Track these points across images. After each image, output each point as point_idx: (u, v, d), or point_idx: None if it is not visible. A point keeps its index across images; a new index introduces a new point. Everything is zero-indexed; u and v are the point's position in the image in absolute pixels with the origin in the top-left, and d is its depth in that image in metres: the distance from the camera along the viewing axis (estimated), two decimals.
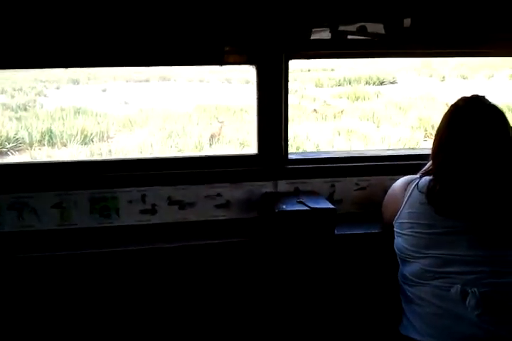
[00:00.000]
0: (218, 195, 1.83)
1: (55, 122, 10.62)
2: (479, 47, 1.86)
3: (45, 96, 14.91)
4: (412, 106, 12.09)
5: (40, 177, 1.76)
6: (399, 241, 1.55)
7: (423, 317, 1.44)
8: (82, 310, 1.69)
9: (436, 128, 1.58)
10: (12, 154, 9.11)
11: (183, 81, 17.22)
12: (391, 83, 17.06)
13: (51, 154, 8.92)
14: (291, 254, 1.73)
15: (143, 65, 1.80)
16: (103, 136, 10.21)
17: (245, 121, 10.17)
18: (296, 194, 1.80)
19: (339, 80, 16.53)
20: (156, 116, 11.42)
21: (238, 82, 15.32)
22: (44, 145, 9.56)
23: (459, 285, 1.38)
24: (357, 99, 13.60)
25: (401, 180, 1.65)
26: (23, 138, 9.71)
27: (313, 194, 1.82)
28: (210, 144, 9.29)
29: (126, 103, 13.64)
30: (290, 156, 1.89)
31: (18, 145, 9.58)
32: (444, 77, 17.29)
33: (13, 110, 12.45)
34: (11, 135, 9.74)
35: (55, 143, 9.67)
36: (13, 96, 14.29)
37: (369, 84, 16.14)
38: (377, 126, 10.64)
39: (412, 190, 1.54)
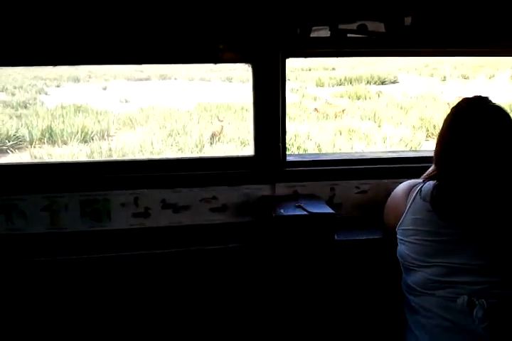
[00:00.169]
0: (214, 198, 1.78)
1: (55, 120, 10.66)
2: (480, 47, 1.82)
3: (45, 94, 15.03)
4: (413, 106, 12.10)
5: (30, 179, 1.71)
6: (402, 249, 1.49)
7: (427, 328, 1.37)
8: (70, 319, 1.64)
9: (438, 130, 1.52)
10: (12, 152, 9.13)
11: (183, 79, 17.26)
12: (392, 82, 17.12)
13: (51, 152, 8.89)
14: (289, 261, 1.68)
15: (136, 63, 1.76)
16: (103, 135, 10.29)
17: (246, 119, 10.17)
18: (295, 197, 1.75)
19: (340, 79, 16.62)
20: (157, 114, 11.47)
21: (239, 81, 15.33)
22: (44, 143, 9.55)
23: (465, 296, 1.32)
24: (358, 99, 13.63)
25: (403, 185, 1.60)
26: (23, 136, 9.78)
27: (312, 197, 1.77)
28: (211, 143, 9.28)
29: (126, 101, 13.71)
30: (288, 158, 1.84)
31: (18, 143, 9.64)
32: (444, 77, 17.35)
33: (13, 108, 12.55)
34: (11, 133, 9.79)
35: (55, 141, 9.71)
36: (13, 94, 14.39)
37: (370, 84, 16.19)
38: (379, 126, 10.66)
39: (415, 195, 1.48)
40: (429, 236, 1.41)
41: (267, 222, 1.65)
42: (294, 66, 17.57)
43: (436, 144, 1.52)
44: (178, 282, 1.67)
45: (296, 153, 8.63)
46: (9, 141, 9.55)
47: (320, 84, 16.25)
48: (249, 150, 1.78)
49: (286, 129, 1.80)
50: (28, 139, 9.68)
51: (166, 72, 17.96)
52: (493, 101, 1.47)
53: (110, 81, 17.12)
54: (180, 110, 11.85)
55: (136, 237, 1.73)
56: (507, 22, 1.77)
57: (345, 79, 16.49)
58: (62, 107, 12.07)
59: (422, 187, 1.48)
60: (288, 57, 1.73)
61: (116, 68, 17.85)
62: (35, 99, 13.76)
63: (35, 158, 8.63)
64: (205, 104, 12.38)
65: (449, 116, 1.51)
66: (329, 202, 1.80)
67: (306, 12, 1.68)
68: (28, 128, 9.99)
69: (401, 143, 9.24)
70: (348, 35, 1.74)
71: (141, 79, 17.62)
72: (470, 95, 1.52)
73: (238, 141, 9.23)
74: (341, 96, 13.84)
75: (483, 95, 1.50)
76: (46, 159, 8.41)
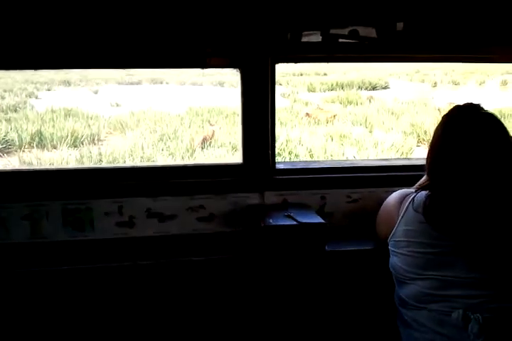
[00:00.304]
0: (201, 207, 1.75)
1: (45, 124, 10.61)
2: (472, 53, 1.80)
3: (36, 97, 14.96)
4: (404, 112, 12.16)
5: (10, 187, 1.67)
6: (394, 261, 1.46)
7: None
8: (50, 332, 1.59)
9: (429, 137, 1.49)
10: (0, 156, 9.01)
11: (175, 84, 17.25)
12: (383, 88, 17.24)
13: (40, 156, 8.82)
14: (279, 273, 1.64)
15: (122, 67, 1.71)
16: (93, 139, 10.23)
17: (238, 124, 10.11)
18: (284, 206, 1.72)
19: (332, 85, 16.70)
20: (148, 118, 11.43)
21: (231, 85, 15.34)
22: (34, 147, 9.50)
23: (460, 310, 1.28)
24: (349, 104, 13.68)
25: (395, 194, 1.56)
26: (12, 140, 9.71)
27: (302, 207, 1.73)
28: (202, 148, 9.24)
29: (117, 105, 13.68)
30: (278, 166, 1.81)
31: (7, 147, 9.56)
32: (435, 83, 17.51)
33: (3, 111, 12.46)
34: (0, 137, 9.71)
35: (44, 146, 9.66)
36: (3, 98, 14.31)
37: (361, 89, 16.30)
38: (370, 131, 10.68)
39: (408, 205, 1.45)
40: (422, 248, 1.38)
41: (256, 232, 1.61)
42: (285, 71, 17.63)
43: (428, 153, 1.48)
44: (163, 294, 1.62)
45: (288, 158, 8.63)
46: None
47: (311, 90, 16.31)
48: (239, 157, 1.76)
49: (277, 135, 1.77)
50: (17, 143, 9.62)
51: (158, 77, 17.95)
52: (486, 109, 1.44)
53: (101, 85, 17.09)
54: (171, 114, 11.83)
55: (121, 247, 1.69)
56: (499, 28, 1.75)
57: (336, 85, 16.58)
58: (53, 111, 12.04)
59: (414, 197, 1.45)
60: (278, 63, 1.70)
61: (107, 72, 17.83)
62: (25, 102, 13.70)
63: (24, 162, 8.57)
64: (196, 109, 12.37)
65: (440, 124, 1.47)
66: (320, 212, 1.76)
67: (296, 16, 1.66)
68: (17, 132, 9.95)
69: (392, 148, 9.25)
70: (340, 40, 1.72)
71: (132, 83, 17.60)
72: (461, 102, 1.49)
73: (230, 145, 9.19)
74: (333, 102, 13.90)
75: (475, 102, 1.47)
76: (35, 163, 8.36)
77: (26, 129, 10.07)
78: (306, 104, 13.65)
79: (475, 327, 1.25)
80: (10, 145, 9.61)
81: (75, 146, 9.63)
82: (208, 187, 1.74)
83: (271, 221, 1.58)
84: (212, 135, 9.62)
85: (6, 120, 11.14)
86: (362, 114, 11.93)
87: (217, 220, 1.76)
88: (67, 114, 11.76)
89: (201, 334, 1.66)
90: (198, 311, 1.65)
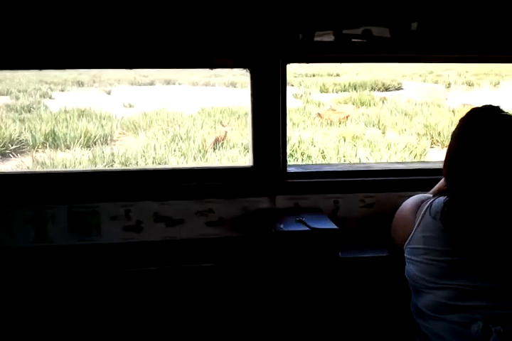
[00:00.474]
0: (210, 211, 1.72)
1: (58, 124, 10.72)
2: (487, 53, 1.77)
3: (50, 98, 15.13)
4: (418, 113, 12.09)
5: (14, 190, 1.66)
6: (410, 269, 1.41)
7: None
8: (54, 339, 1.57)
9: (443, 138, 1.43)
10: (14, 156, 9.14)
11: (187, 85, 17.33)
12: (396, 89, 17.19)
13: (54, 157, 8.89)
14: (290, 280, 1.60)
15: (127, 67, 1.71)
16: (106, 139, 10.31)
17: (250, 125, 10.10)
18: (296, 211, 1.69)
19: (344, 85, 16.68)
20: (160, 119, 11.48)
21: (243, 86, 15.37)
22: (47, 147, 9.59)
23: (480, 322, 1.23)
24: (362, 105, 13.65)
25: (412, 199, 1.52)
26: (26, 140, 9.84)
27: (314, 211, 1.70)
28: (214, 149, 9.25)
29: (130, 106, 13.77)
30: (289, 169, 1.77)
31: (21, 147, 9.69)
32: (449, 84, 17.42)
33: (17, 111, 12.60)
34: (14, 137, 9.85)
35: (58, 146, 9.75)
36: (17, 98, 14.46)
37: (374, 90, 16.27)
38: (383, 133, 10.60)
39: (425, 212, 1.40)
40: (440, 257, 1.33)
41: (266, 238, 1.58)
42: (297, 71, 17.62)
43: (446, 157, 1.44)
44: (170, 301, 1.60)
45: (300, 159, 8.60)
46: (12, 145, 9.61)
47: (324, 90, 16.29)
48: (250, 158, 1.75)
49: (289, 136, 1.73)
50: (30, 143, 9.74)
51: (170, 77, 18.04)
52: (505, 111, 1.39)
53: (114, 85, 17.23)
54: (184, 115, 11.88)
55: (128, 252, 1.67)
56: None
57: (349, 86, 16.55)
58: (66, 111, 12.16)
59: (431, 203, 1.40)
60: (289, 63, 1.67)
61: (120, 73, 17.99)
62: (39, 102, 13.86)
63: (38, 162, 8.63)
64: (208, 109, 12.40)
65: (458, 127, 1.42)
66: (332, 217, 1.72)
67: (308, 16, 1.64)
68: (31, 132, 10.07)
69: (405, 150, 9.18)
70: (353, 40, 1.69)
71: (145, 84, 17.72)
72: (477, 104, 1.44)
73: (242, 146, 9.19)
74: (345, 103, 13.88)
75: (494, 104, 1.42)
76: (48, 163, 8.43)
77: (40, 129, 10.20)
78: (319, 104, 13.64)
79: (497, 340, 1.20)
80: (23, 145, 9.74)
81: (88, 147, 9.73)
82: (217, 191, 1.71)
83: (282, 226, 1.55)
84: (225, 136, 9.63)
85: (20, 120, 11.28)
86: (375, 115, 11.89)
87: (227, 225, 1.73)
88: (81, 114, 11.89)
89: None
90: (206, 319, 1.62)
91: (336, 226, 1.56)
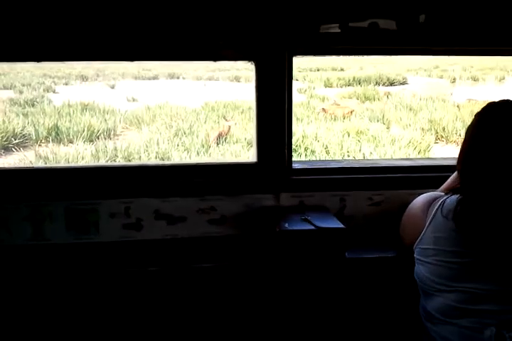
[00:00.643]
0: (212, 208, 1.69)
1: (62, 118, 10.79)
2: (496, 45, 1.74)
3: (53, 92, 15.20)
4: (423, 108, 12.08)
5: (11, 186, 1.63)
6: (420, 270, 1.37)
7: None
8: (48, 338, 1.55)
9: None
10: (16, 150, 9.19)
11: (191, 79, 17.37)
12: (401, 83, 17.18)
13: (56, 151, 8.93)
14: (294, 281, 1.57)
15: (131, 60, 1.70)
16: (109, 134, 10.37)
17: (253, 120, 10.11)
18: (301, 209, 1.66)
19: (349, 80, 16.71)
20: (164, 113, 11.52)
21: (247, 80, 15.37)
22: (50, 141, 9.65)
23: (493, 328, 1.19)
24: (367, 100, 13.65)
25: (422, 197, 1.47)
26: (29, 135, 9.91)
27: (320, 209, 1.67)
28: (218, 143, 9.27)
29: (134, 100, 13.81)
30: (294, 165, 1.74)
31: (24, 141, 9.76)
32: (454, 79, 17.42)
33: (20, 105, 12.66)
34: (18, 131, 9.93)
35: (61, 140, 9.82)
36: (21, 92, 14.53)
37: (379, 85, 16.28)
38: (387, 128, 10.60)
39: (436, 211, 1.36)
40: (452, 258, 1.29)
41: (270, 237, 1.54)
42: (302, 66, 17.61)
43: (460, 152, 1.39)
44: (171, 302, 1.57)
45: (304, 154, 8.60)
46: (15, 139, 9.67)
47: (328, 85, 16.30)
48: (253, 153, 1.73)
49: (293, 131, 1.70)
50: (33, 137, 9.79)
51: (174, 72, 18.07)
52: None
53: (118, 80, 17.28)
54: (187, 109, 11.91)
55: (127, 251, 1.64)
56: None
57: (353, 80, 16.56)
58: (69, 105, 12.22)
59: (444, 201, 1.35)
60: (295, 55, 1.64)
61: (124, 67, 18.04)
62: (42, 96, 13.93)
63: (40, 156, 8.65)
64: (212, 104, 12.42)
65: (473, 122, 1.38)
66: (339, 215, 1.69)
67: (314, 9, 1.61)
68: (34, 126, 10.12)
69: (410, 145, 9.17)
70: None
71: (148, 78, 17.76)
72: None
73: (245, 141, 9.20)
74: (350, 97, 13.89)
75: (511, 99, 1.37)
76: (51, 158, 8.45)
77: (43, 124, 10.27)
78: (323, 99, 13.64)
79: None
80: (27, 139, 9.81)
81: (91, 141, 9.79)
82: (219, 188, 1.68)
83: (286, 225, 1.52)
84: (228, 130, 9.64)
85: (23, 114, 11.33)
86: (379, 110, 11.89)
87: (229, 223, 1.70)
88: (84, 108, 11.95)
89: None
90: (208, 320, 1.59)
91: (342, 226, 1.53)
